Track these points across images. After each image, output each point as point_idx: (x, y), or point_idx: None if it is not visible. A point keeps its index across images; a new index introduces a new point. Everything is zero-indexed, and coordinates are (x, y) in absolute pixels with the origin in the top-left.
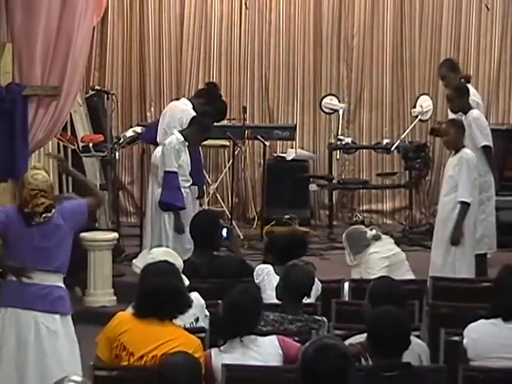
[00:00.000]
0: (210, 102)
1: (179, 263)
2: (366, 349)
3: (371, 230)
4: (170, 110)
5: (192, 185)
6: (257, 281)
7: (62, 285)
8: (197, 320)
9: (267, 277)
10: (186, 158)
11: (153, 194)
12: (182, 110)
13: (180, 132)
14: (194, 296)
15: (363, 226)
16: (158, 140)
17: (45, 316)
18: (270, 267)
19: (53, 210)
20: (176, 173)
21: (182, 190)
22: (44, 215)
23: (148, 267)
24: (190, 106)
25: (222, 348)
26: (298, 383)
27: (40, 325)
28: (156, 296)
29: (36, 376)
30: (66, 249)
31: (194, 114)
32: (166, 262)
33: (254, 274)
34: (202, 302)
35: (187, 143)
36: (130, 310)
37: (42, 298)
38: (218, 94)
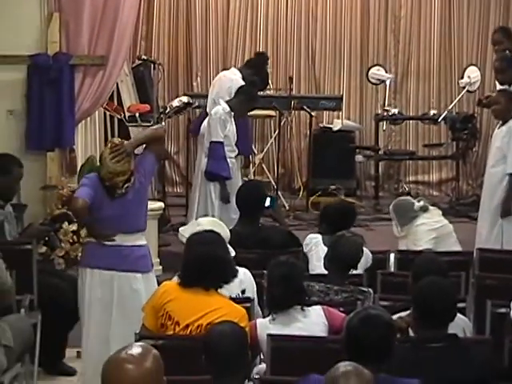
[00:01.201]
0: (259, 72)
1: (226, 233)
2: (412, 323)
3: (419, 201)
4: (219, 79)
5: (238, 155)
6: (305, 250)
7: (142, 243)
8: (243, 292)
9: (315, 247)
10: (232, 128)
11: (199, 164)
12: (231, 79)
13: (226, 102)
14: (244, 271)
15: (411, 198)
16: (207, 110)
17: (126, 276)
18: (319, 237)
19: (132, 179)
20: (222, 143)
21: (228, 160)
22: (125, 186)
23: (193, 236)
24: (239, 75)
25: (267, 319)
26: (343, 353)
27: (122, 284)
28: (201, 265)
29: (119, 334)
30: (144, 206)
31: (243, 83)
32: (211, 231)
33: (304, 243)
34: (251, 277)
35: (233, 113)
36: (175, 279)
37: (123, 258)
38: (267, 64)
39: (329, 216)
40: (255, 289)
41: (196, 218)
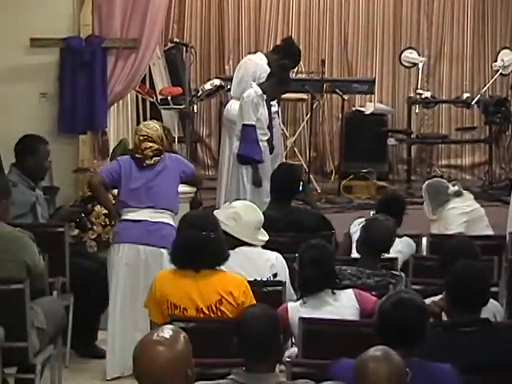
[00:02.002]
0: (285, 57)
1: (260, 217)
2: (446, 307)
3: (453, 185)
4: (244, 63)
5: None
6: (351, 231)
7: (170, 222)
8: (275, 275)
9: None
10: (263, 111)
11: (225, 147)
12: (256, 63)
13: (258, 85)
14: (276, 256)
15: (445, 180)
16: (231, 93)
17: (152, 250)
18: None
19: (162, 155)
20: (254, 126)
21: (260, 143)
22: (154, 158)
23: (184, 218)
24: (265, 60)
25: (298, 302)
26: (374, 338)
27: (148, 259)
28: (187, 248)
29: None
30: (174, 189)
31: (268, 68)
32: (206, 213)
33: (351, 225)
34: (284, 262)
35: (265, 96)
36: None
37: (151, 233)
38: (294, 50)
39: (378, 205)
40: (287, 273)
41: (225, 202)
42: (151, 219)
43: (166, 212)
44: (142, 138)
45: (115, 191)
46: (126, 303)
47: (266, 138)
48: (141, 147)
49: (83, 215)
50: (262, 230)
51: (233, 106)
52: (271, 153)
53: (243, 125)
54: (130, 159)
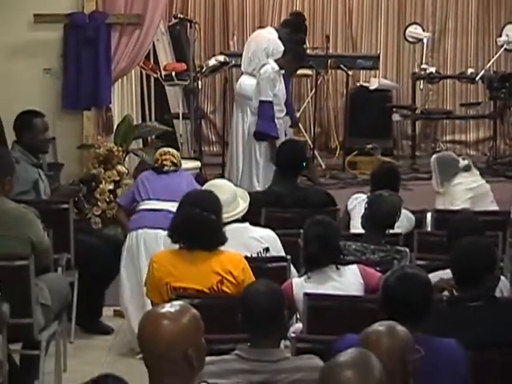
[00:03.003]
0: (295, 32)
1: (224, 195)
2: (452, 284)
3: (464, 159)
4: (255, 38)
5: (285, 115)
6: (349, 208)
7: None
8: (267, 250)
9: (358, 206)
10: (281, 87)
11: (238, 123)
12: (268, 39)
13: (275, 61)
14: (265, 231)
15: (454, 154)
16: (242, 68)
17: None
18: (363, 196)
19: (180, 169)
20: (271, 102)
21: (276, 120)
22: (172, 168)
23: (186, 196)
24: (276, 35)
25: (302, 278)
26: (379, 313)
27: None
28: (185, 226)
29: None
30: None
31: (280, 43)
32: (209, 191)
33: (348, 201)
34: (276, 237)
35: (283, 72)
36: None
37: (169, 220)
38: (304, 24)
39: (373, 178)
40: (281, 247)
41: (239, 180)
42: (170, 208)
43: None
44: (163, 152)
45: None
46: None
47: (283, 114)
48: (161, 159)
49: (81, 195)
50: (237, 203)
51: (246, 82)
52: (295, 126)
53: (260, 101)
54: (148, 172)
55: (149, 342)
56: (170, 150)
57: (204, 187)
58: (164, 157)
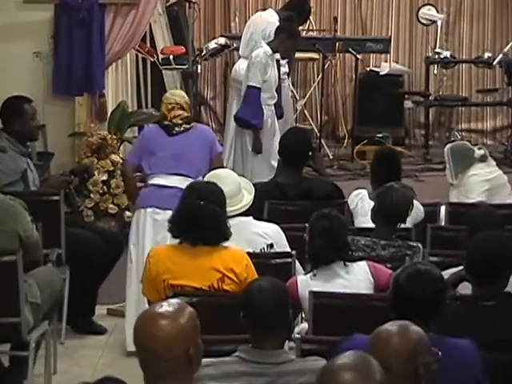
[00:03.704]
0: (298, 15)
1: (228, 187)
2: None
3: (479, 149)
4: (254, 20)
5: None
6: (351, 207)
7: None
8: (271, 246)
9: (360, 202)
10: (273, 72)
11: (231, 110)
12: (268, 21)
13: (268, 44)
14: (269, 226)
15: (469, 144)
16: (240, 52)
17: None
18: (363, 192)
19: (192, 123)
20: (259, 89)
21: (266, 107)
22: (184, 125)
23: (190, 186)
24: (277, 17)
25: (308, 275)
26: (389, 312)
27: None
28: (187, 217)
29: None
30: (204, 159)
31: None
32: (213, 183)
33: (348, 200)
34: (281, 233)
35: (278, 56)
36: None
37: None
38: (306, 6)
39: (372, 167)
40: (287, 244)
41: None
42: (180, 186)
43: (194, 179)
44: (170, 106)
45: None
46: None
47: (274, 101)
48: (170, 115)
49: (72, 187)
50: (242, 195)
51: (241, 66)
52: (280, 117)
53: (248, 86)
54: (156, 128)
55: (148, 343)
56: (178, 98)
57: (206, 178)
58: (173, 113)
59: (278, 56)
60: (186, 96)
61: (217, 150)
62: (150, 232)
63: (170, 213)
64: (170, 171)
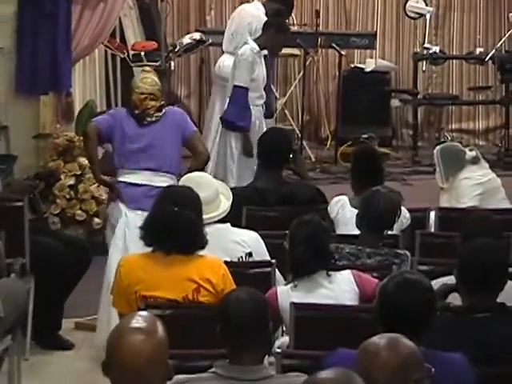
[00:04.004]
0: (286, 7)
1: (204, 192)
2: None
3: (471, 150)
4: (238, 13)
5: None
6: (331, 216)
7: None
8: (249, 255)
9: (341, 210)
10: (261, 70)
11: (213, 109)
12: (253, 14)
13: (255, 40)
14: (248, 233)
15: (460, 145)
16: (223, 47)
17: None
18: (344, 198)
19: (163, 110)
20: (246, 89)
21: (254, 108)
22: (156, 114)
23: (164, 191)
24: (263, 10)
25: (289, 286)
26: (375, 324)
27: None
28: (161, 224)
29: None
30: (176, 150)
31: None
32: (188, 188)
33: (328, 208)
34: (261, 241)
35: (265, 52)
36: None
37: (151, 198)
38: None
39: (352, 169)
40: (267, 253)
41: (213, 173)
42: (151, 183)
43: (166, 175)
44: (142, 96)
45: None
46: None
47: (262, 101)
48: (141, 106)
49: (37, 192)
50: (219, 201)
51: (225, 62)
52: (270, 117)
53: (234, 86)
54: (127, 115)
55: (128, 360)
56: (150, 87)
57: (181, 182)
58: (145, 104)
59: (265, 52)
60: (157, 82)
61: (190, 130)
62: (122, 230)
63: (139, 213)
64: (140, 166)
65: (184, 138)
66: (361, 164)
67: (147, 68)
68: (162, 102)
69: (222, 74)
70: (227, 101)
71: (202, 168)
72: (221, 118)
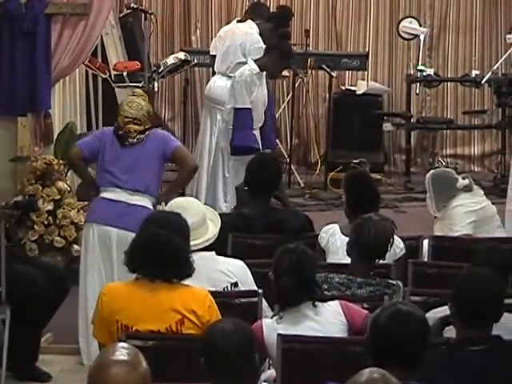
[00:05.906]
0: (280, 28)
1: (192, 218)
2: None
3: (464, 178)
4: (231, 32)
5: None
6: (322, 245)
7: (149, 206)
8: (235, 285)
9: (331, 238)
10: (260, 92)
11: (205, 132)
12: (246, 33)
13: (255, 61)
14: (233, 262)
15: (454, 171)
16: (215, 67)
17: (126, 234)
18: (335, 226)
19: (147, 132)
20: (249, 109)
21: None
22: (138, 137)
23: (151, 216)
24: (256, 30)
25: (274, 318)
26: (366, 357)
27: (122, 242)
28: (146, 249)
29: None
30: (155, 172)
31: (260, 39)
32: (176, 214)
33: (319, 238)
34: (247, 270)
35: (266, 74)
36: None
37: (126, 215)
38: (289, 20)
39: (345, 195)
40: (253, 282)
41: (202, 198)
42: (128, 201)
43: (145, 195)
44: (126, 119)
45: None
46: (100, 286)
47: (260, 125)
48: (124, 128)
49: (13, 221)
50: (206, 227)
51: (217, 83)
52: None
53: (236, 109)
54: (112, 134)
55: None
56: (135, 112)
57: (168, 207)
58: (127, 127)
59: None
60: (144, 106)
61: (172, 146)
62: (97, 248)
63: (115, 231)
64: (120, 185)
65: (166, 155)
66: (354, 190)
67: (138, 91)
68: (147, 126)
69: (212, 95)
70: (217, 122)
71: (189, 178)
72: (232, 147)
